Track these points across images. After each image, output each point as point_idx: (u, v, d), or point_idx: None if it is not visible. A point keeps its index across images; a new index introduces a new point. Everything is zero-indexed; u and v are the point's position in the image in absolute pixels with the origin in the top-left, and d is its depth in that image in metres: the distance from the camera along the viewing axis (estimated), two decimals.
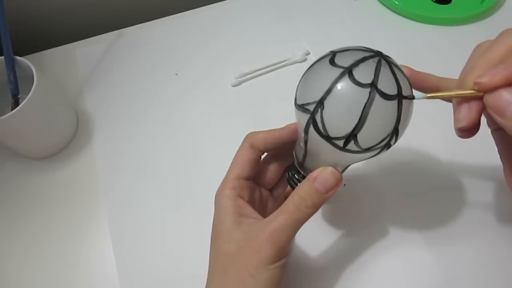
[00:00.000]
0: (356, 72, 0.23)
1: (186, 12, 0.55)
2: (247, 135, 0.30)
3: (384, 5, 0.53)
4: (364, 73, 0.23)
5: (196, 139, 0.44)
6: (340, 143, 0.24)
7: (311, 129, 0.25)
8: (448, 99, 0.27)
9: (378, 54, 0.24)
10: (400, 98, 0.23)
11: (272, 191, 0.33)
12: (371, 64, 0.23)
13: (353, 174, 0.39)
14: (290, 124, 0.29)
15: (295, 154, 0.30)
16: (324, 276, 0.34)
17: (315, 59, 0.26)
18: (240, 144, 0.30)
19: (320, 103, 0.24)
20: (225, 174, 0.30)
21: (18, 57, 0.39)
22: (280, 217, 0.26)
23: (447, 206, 0.37)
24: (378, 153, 0.25)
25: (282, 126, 0.29)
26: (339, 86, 0.23)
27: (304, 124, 0.25)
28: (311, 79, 0.25)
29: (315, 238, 0.36)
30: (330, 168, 0.26)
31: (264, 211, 0.31)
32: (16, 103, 0.39)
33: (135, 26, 0.54)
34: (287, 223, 0.26)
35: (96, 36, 0.54)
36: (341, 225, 0.37)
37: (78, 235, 0.39)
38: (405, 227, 0.36)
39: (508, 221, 0.35)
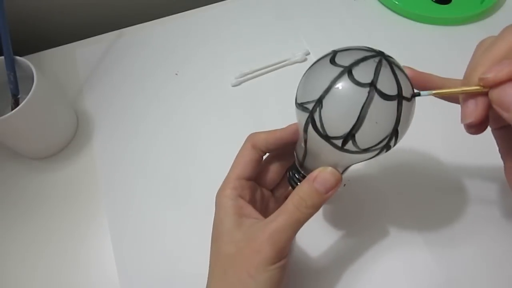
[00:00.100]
0: (356, 72, 0.23)
1: (186, 12, 0.55)
2: (249, 136, 0.30)
3: (384, 5, 0.53)
4: (364, 73, 0.23)
5: (196, 139, 0.44)
6: (338, 142, 0.24)
7: (310, 128, 0.24)
8: (451, 99, 0.27)
9: (379, 54, 0.24)
10: (400, 99, 0.23)
11: (273, 192, 0.33)
12: (371, 64, 0.23)
13: (353, 175, 0.39)
14: (292, 125, 0.29)
15: (296, 154, 0.30)
16: (324, 277, 0.34)
17: (315, 59, 0.26)
18: (240, 144, 0.30)
19: (319, 102, 0.23)
20: (225, 174, 0.30)
21: (18, 57, 0.39)
22: (280, 218, 0.26)
23: (447, 206, 0.37)
24: (378, 154, 0.25)
25: (282, 126, 0.29)
26: (338, 85, 0.23)
27: (304, 123, 0.25)
28: (311, 78, 0.25)
29: (315, 238, 0.36)
30: (330, 168, 0.26)
31: (265, 212, 0.31)
32: (16, 103, 0.39)
33: (135, 26, 0.54)
34: (287, 223, 0.26)
35: (96, 36, 0.54)
36: (341, 226, 0.36)
37: (78, 235, 0.39)
38: (406, 227, 0.36)
39: (509, 221, 0.35)
